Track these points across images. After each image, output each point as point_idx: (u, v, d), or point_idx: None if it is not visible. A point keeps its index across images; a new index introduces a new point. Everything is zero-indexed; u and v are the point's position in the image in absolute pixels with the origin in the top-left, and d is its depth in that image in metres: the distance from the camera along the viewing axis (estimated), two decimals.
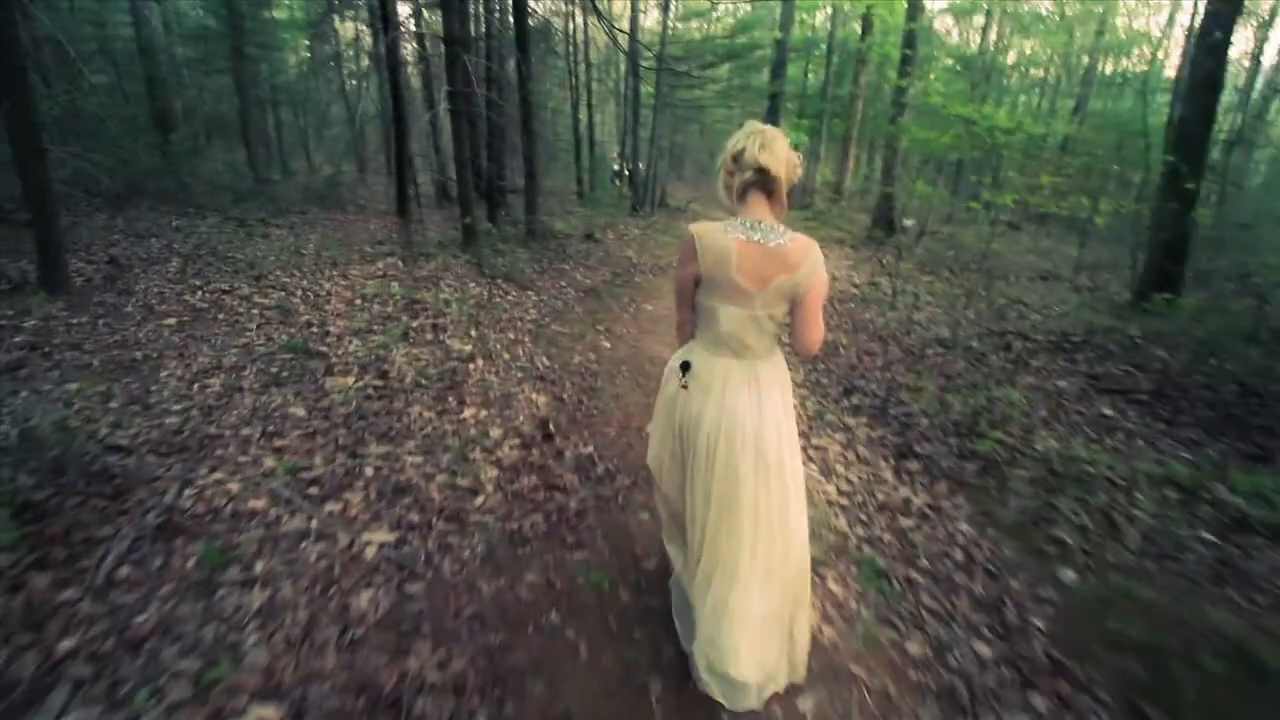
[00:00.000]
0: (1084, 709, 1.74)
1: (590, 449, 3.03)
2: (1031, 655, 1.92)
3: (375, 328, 4.21)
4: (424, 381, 3.44)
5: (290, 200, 10.30)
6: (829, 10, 16.85)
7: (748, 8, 17.82)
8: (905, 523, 2.68)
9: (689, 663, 1.64)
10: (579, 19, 15.12)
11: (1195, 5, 8.16)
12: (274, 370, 3.37)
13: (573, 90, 15.70)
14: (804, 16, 18.87)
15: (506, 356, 4.10)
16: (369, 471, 2.47)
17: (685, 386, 1.56)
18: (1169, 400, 3.91)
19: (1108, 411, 3.79)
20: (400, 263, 6.32)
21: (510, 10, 8.39)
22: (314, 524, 2.10)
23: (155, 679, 1.52)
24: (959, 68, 20.67)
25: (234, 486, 2.23)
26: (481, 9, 10.25)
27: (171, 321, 4.03)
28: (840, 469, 3.13)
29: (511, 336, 4.54)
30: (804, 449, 3.35)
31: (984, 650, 1.94)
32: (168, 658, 1.58)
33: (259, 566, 1.88)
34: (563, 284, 6.39)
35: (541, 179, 15.74)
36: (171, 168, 10.63)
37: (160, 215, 7.88)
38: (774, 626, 1.53)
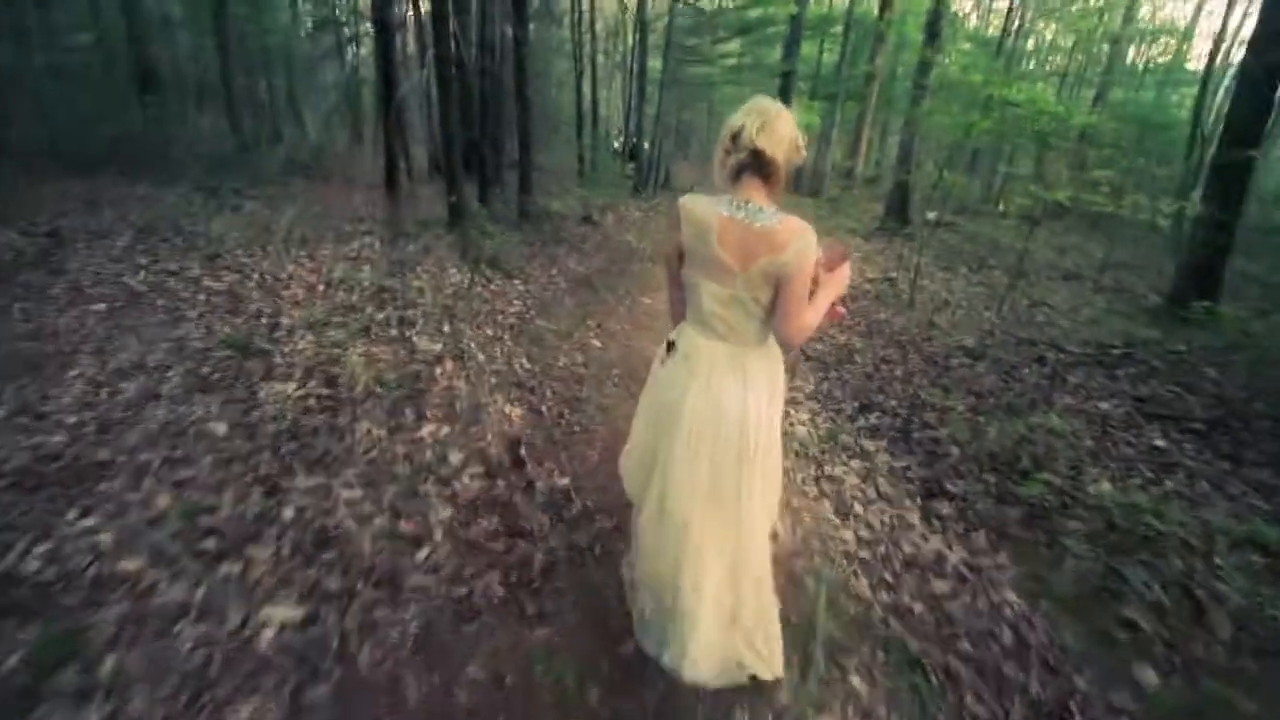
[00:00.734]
0: None
1: (566, 480, 2.57)
2: None
3: (334, 320, 3.73)
4: (379, 389, 2.97)
5: (272, 170, 9.74)
6: None
7: None
8: (939, 586, 2.23)
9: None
10: None
11: None
12: (204, 372, 2.89)
13: (576, 62, 15.00)
14: None
15: (481, 357, 3.62)
16: (288, 514, 2.01)
17: (664, 364, 1.58)
18: (1229, 431, 3.45)
19: (1160, 443, 3.32)
20: (377, 243, 5.81)
21: None
22: (199, 594, 1.65)
23: None
24: (979, 51, 19.89)
25: (106, 539, 1.77)
26: None
27: (101, 308, 3.54)
28: (859, 508, 2.68)
29: (490, 333, 4.06)
30: (817, 479, 2.90)
31: None
32: None
33: (107, 665, 1.43)
34: (554, 272, 5.89)
35: (539, 155, 15.13)
36: (149, 132, 10.08)
37: (127, 183, 7.35)
38: (736, 620, 1.55)
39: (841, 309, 1.59)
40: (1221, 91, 19.70)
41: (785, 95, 15.38)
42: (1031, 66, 23.24)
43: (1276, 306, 6.18)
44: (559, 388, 3.49)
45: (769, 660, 1.62)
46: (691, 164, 21.59)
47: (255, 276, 4.38)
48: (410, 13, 11.41)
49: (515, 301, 4.77)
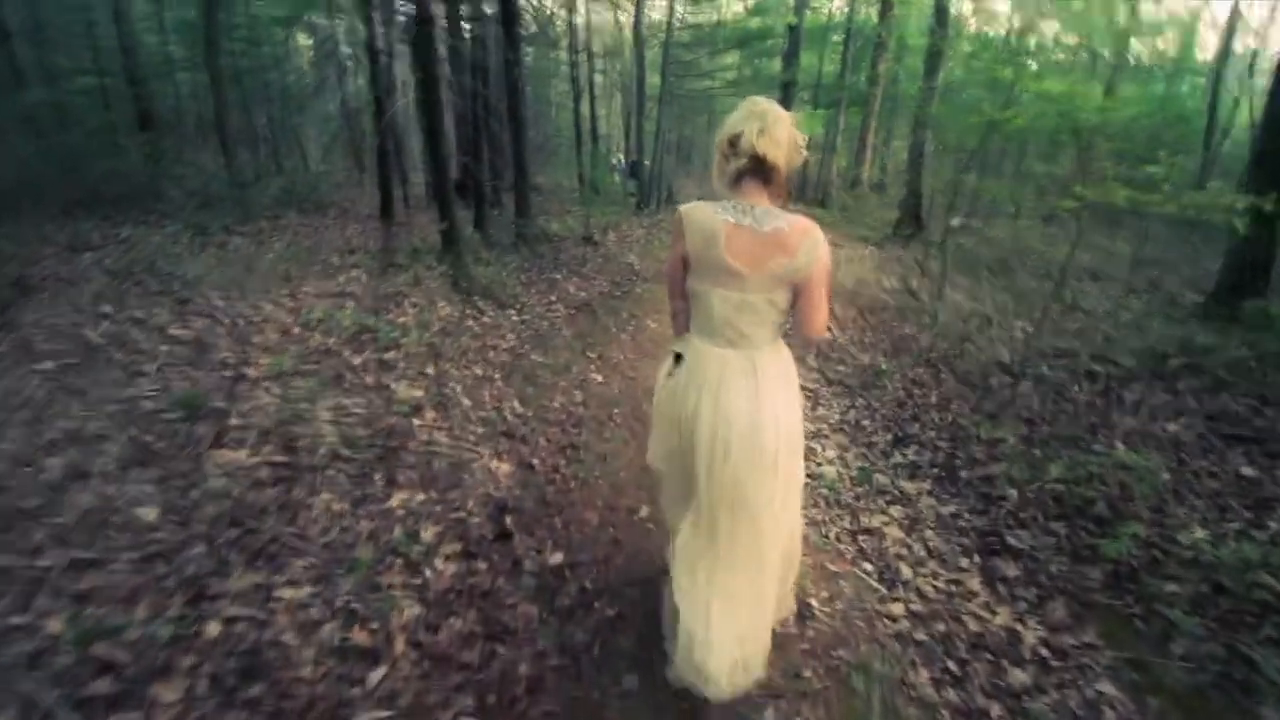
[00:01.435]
0: None
1: (560, 556, 2.18)
2: None
3: (305, 369, 3.38)
4: (346, 451, 2.60)
5: (264, 204, 9.53)
6: None
7: None
8: (1018, 677, 1.81)
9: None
10: (580, 5, 14.22)
11: None
12: (147, 440, 2.54)
13: (574, 82, 14.84)
14: (820, 5, 17.85)
15: (467, 403, 3.25)
16: (213, 630, 1.63)
17: (671, 375, 1.54)
18: None
19: (1248, 471, 2.88)
20: (365, 276, 5.49)
21: None
22: None
23: None
24: (985, 53, 19.56)
25: None
26: None
27: (49, 365, 3.22)
28: (907, 571, 2.27)
29: (479, 373, 3.69)
30: (853, 534, 2.50)
31: None
32: None
33: None
34: (552, 299, 5.54)
35: (539, 176, 14.91)
36: (145, 171, 9.96)
37: (113, 225, 7.13)
38: (758, 624, 1.51)
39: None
40: (1234, 80, 19.22)
41: (787, 105, 15.08)
42: (1034, 66, 22.87)
43: None
44: (554, 434, 3.11)
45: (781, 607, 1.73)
46: (693, 178, 21.34)
47: (227, 321, 4.06)
48: (401, 38, 11.27)
49: (508, 335, 4.41)
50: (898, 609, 2.09)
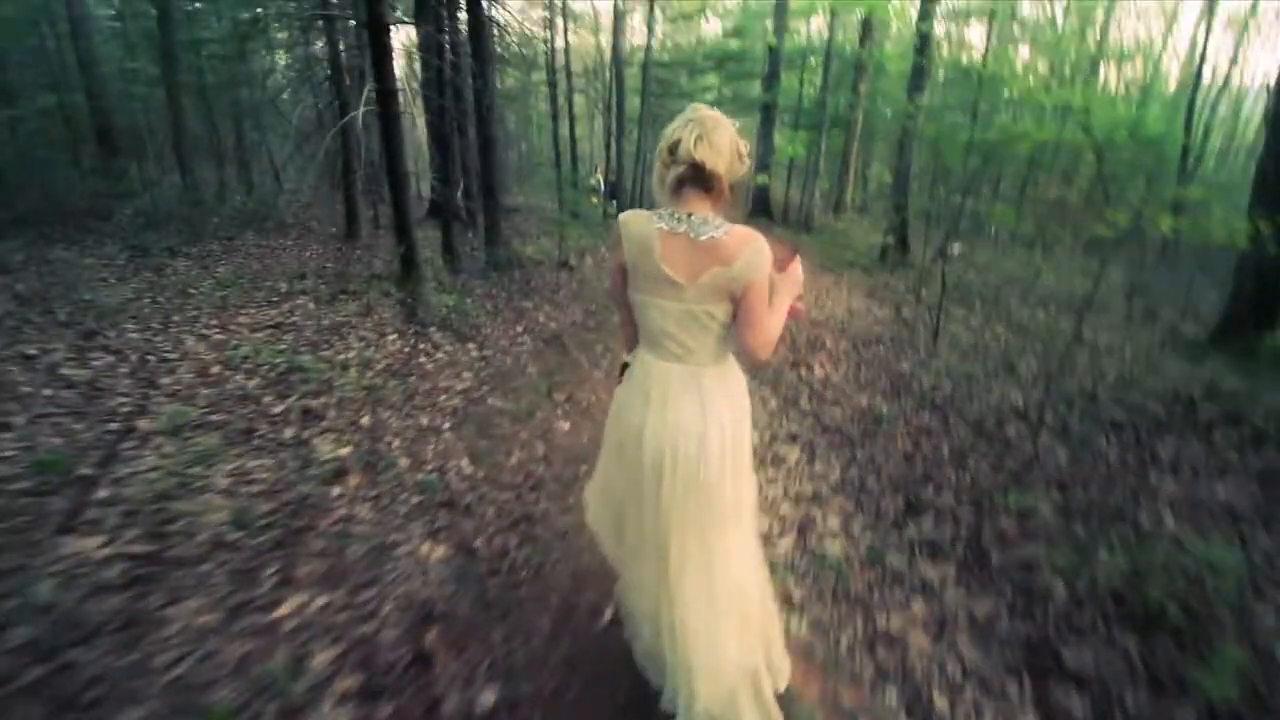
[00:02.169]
0: None
1: (495, 691, 1.66)
2: None
3: (212, 419, 2.85)
4: (236, 535, 2.06)
5: (221, 224, 8.97)
6: (826, 16, 15.74)
7: (739, 13, 16.79)
8: None
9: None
10: (560, 23, 13.96)
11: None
12: None
13: (553, 103, 14.53)
14: (799, 29, 17.83)
15: (403, 463, 2.73)
16: None
17: (624, 392, 1.49)
18: None
19: None
20: (311, 304, 4.96)
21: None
22: None
23: None
24: (956, 79, 19.74)
25: None
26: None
27: None
28: (941, 700, 1.78)
29: (424, 422, 3.17)
30: (869, 641, 2.01)
31: None
32: None
33: None
34: (518, 330, 5.04)
35: (517, 198, 14.49)
36: (92, 189, 9.36)
37: (45, 245, 6.52)
38: (736, 667, 1.42)
39: (801, 305, 1.46)
40: (1208, 109, 19.55)
41: (768, 127, 14.95)
42: (1012, 94, 23.16)
43: None
44: (506, 502, 2.60)
45: (775, 675, 1.56)
46: None
47: (134, 359, 3.50)
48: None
49: (465, 374, 3.90)
50: None
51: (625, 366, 1.52)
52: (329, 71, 8.76)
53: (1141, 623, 1.95)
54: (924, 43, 9.70)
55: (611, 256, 1.47)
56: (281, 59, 16.01)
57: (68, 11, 9.96)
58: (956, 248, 5.14)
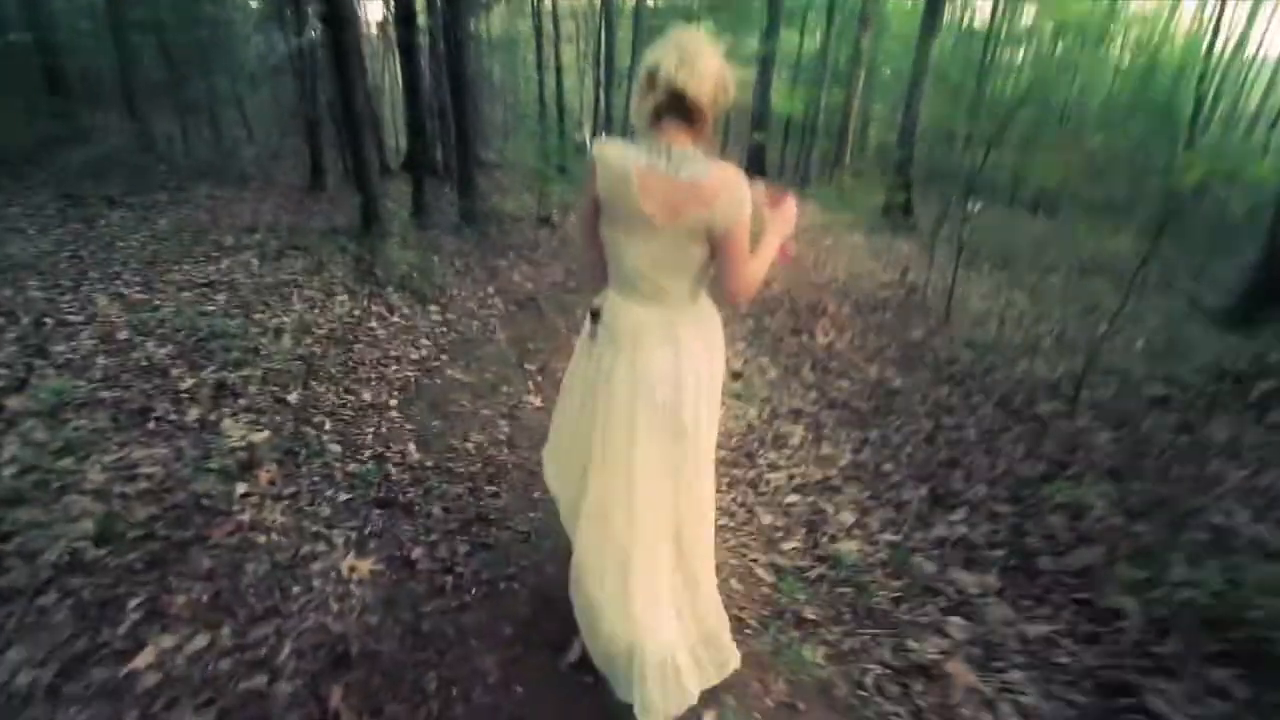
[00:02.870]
0: None
1: None
2: None
3: (103, 396, 2.35)
4: (98, 552, 1.60)
5: (171, 174, 8.26)
6: None
7: None
8: None
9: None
10: None
11: None
12: None
13: (538, 50, 13.66)
14: None
15: (334, 450, 2.27)
16: None
17: (593, 336, 1.39)
18: None
19: None
20: (255, 261, 4.41)
21: None
22: None
23: None
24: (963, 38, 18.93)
25: None
26: None
27: None
28: None
29: (367, 398, 2.70)
30: (898, 676, 1.61)
31: None
32: None
33: None
34: (490, 290, 4.53)
35: (492, 152, 13.71)
36: (34, 133, 8.60)
37: None
38: (683, 609, 1.39)
39: (792, 246, 1.36)
40: (1217, 75, 18.90)
41: (765, 82, 14.18)
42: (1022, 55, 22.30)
43: None
44: (458, 498, 2.15)
45: (721, 662, 1.45)
46: None
47: (27, 320, 2.97)
48: None
49: (422, 340, 3.41)
50: None
51: (595, 313, 1.39)
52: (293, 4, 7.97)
53: (1247, 659, 1.55)
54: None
55: (583, 190, 1.32)
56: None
57: None
58: (977, 205, 4.65)
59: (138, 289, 3.64)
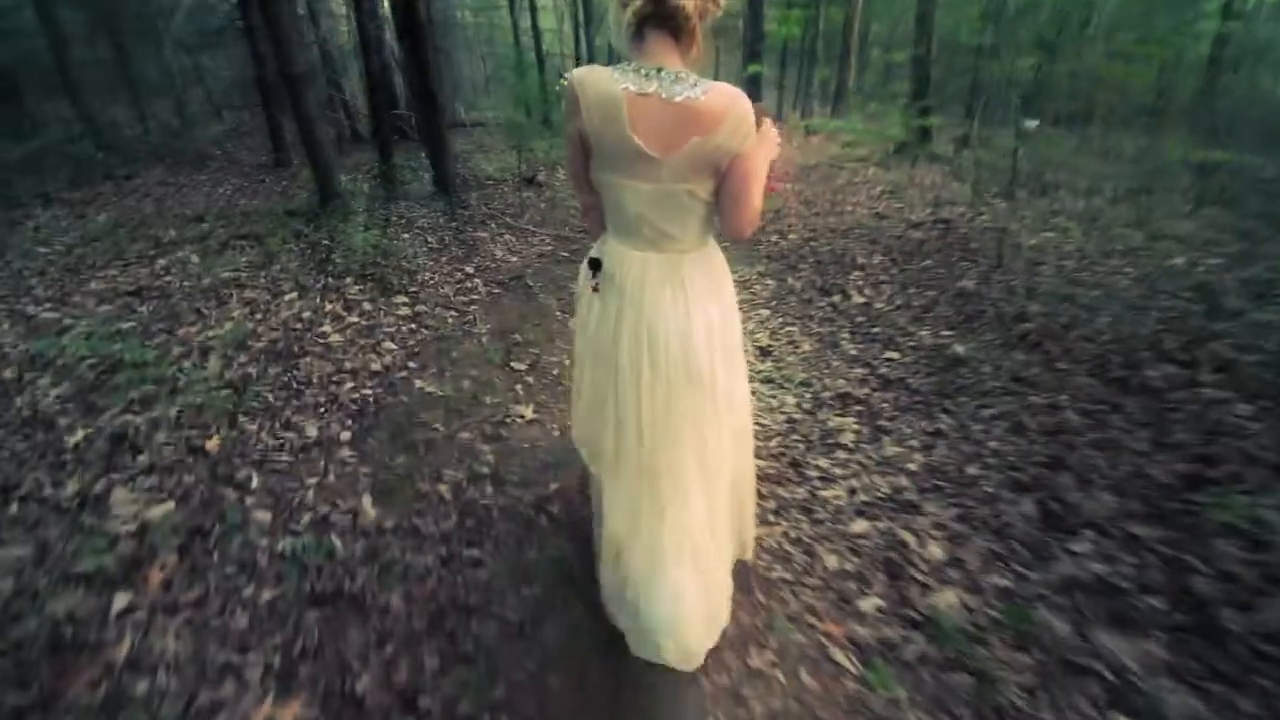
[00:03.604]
0: None
1: None
2: None
3: None
4: None
5: (119, 162, 7.55)
6: None
7: None
8: None
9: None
10: None
11: None
12: None
13: None
14: None
15: (259, 521, 1.72)
16: None
17: (596, 289, 1.27)
18: None
19: None
20: (196, 257, 3.81)
21: None
22: None
23: None
24: None
25: None
26: None
27: None
28: None
29: (310, 434, 2.14)
30: None
31: None
32: None
33: None
34: (469, 270, 3.91)
35: (463, 106, 12.79)
36: None
37: None
38: (719, 568, 1.33)
39: (785, 176, 1.32)
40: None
41: (756, 7, 13.05)
42: None
43: None
44: (425, 572, 1.62)
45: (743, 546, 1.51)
46: None
47: None
48: None
49: (386, 345, 2.82)
50: None
51: (595, 263, 1.27)
52: None
53: None
54: None
55: (565, 128, 1.14)
56: None
57: None
58: (1033, 124, 3.92)
59: (48, 306, 3.07)
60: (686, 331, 1.19)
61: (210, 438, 2.02)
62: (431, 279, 3.66)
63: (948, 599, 1.62)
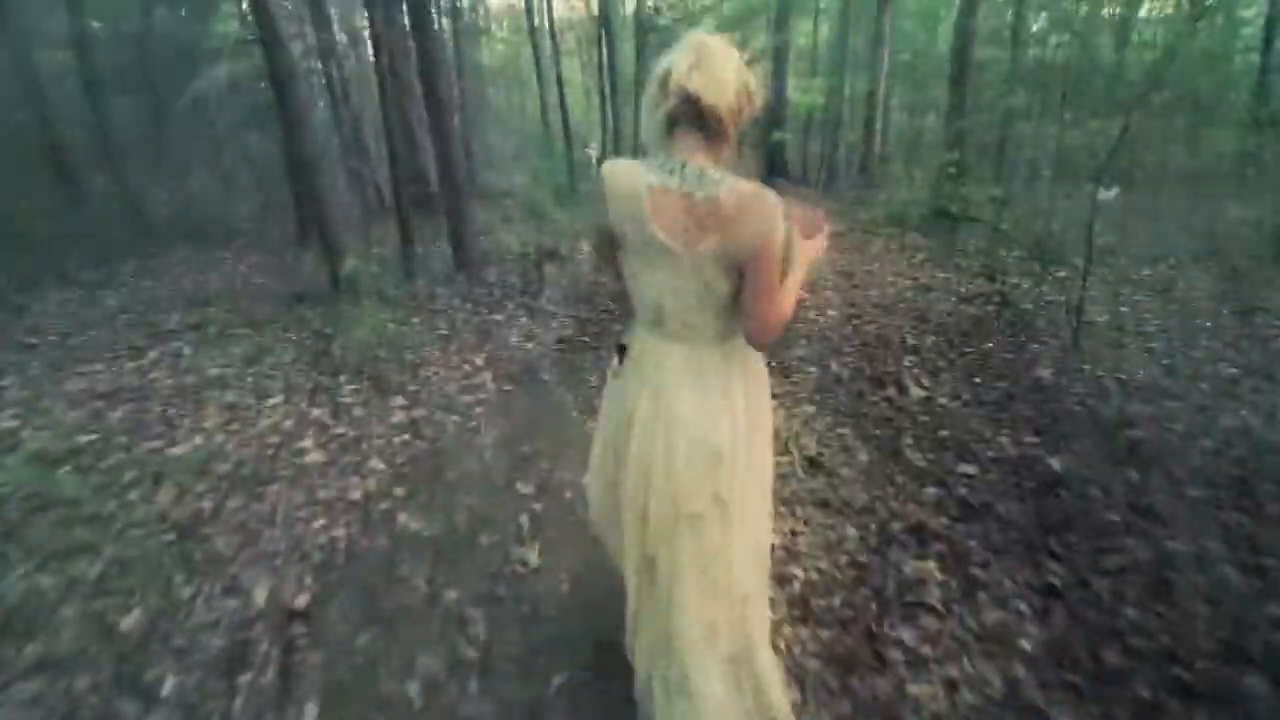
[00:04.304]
0: None
1: None
2: None
3: None
4: None
5: (152, 237, 7.59)
6: None
7: None
8: None
9: None
10: None
11: None
12: None
13: (537, 65, 12.89)
14: None
15: None
16: None
17: (617, 375, 1.27)
18: None
19: None
20: (188, 349, 3.54)
21: None
22: None
23: None
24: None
25: None
26: None
27: None
28: None
29: (258, 600, 1.72)
30: None
31: None
32: None
33: None
34: (478, 362, 3.55)
35: (495, 178, 12.92)
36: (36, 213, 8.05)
37: None
38: (733, 692, 1.21)
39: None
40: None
41: (780, 77, 13.14)
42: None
43: None
44: None
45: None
46: None
47: None
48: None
49: (372, 463, 2.43)
50: None
51: (623, 348, 1.26)
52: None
53: None
54: None
55: (594, 217, 1.14)
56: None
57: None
58: (1112, 191, 3.49)
59: (12, 412, 2.77)
60: (706, 427, 1.13)
61: (130, 609, 1.61)
62: (436, 374, 3.30)
63: None
